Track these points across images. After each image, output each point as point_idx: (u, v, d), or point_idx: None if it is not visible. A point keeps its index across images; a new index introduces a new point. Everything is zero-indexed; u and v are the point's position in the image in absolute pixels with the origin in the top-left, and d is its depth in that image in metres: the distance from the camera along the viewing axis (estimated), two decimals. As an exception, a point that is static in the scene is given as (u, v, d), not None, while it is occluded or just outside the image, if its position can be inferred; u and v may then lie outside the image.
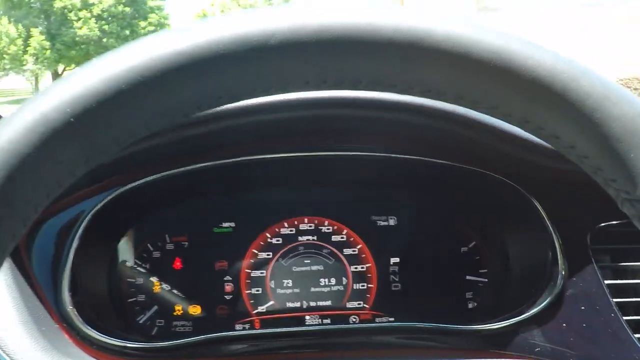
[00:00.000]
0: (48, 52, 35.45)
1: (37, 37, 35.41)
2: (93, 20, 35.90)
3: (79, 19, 35.49)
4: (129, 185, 1.26)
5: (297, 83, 0.52)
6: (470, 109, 0.54)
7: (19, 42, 35.20)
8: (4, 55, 34.53)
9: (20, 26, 35.33)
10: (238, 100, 0.53)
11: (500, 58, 0.49)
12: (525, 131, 0.55)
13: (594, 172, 0.53)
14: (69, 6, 35.87)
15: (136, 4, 39.08)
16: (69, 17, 35.79)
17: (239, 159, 1.29)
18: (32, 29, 35.77)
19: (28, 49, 35.36)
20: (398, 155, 1.31)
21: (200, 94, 0.51)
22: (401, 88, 0.53)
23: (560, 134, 0.52)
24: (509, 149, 1.21)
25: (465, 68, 0.50)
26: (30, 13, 36.48)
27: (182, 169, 1.27)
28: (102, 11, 36.31)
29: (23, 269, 1.16)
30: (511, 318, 1.24)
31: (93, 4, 36.31)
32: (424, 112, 1.17)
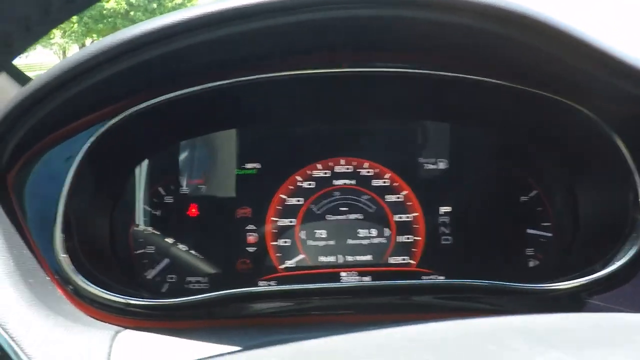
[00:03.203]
0: (75, 25, 36.17)
1: None
2: (120, -8, 36.60)
3: (107, -9, 36.19)
4: (134, 109, 1.09)
5: None
6: None
7: None
8: None
9: (47, 0, 36.29)
10: None
11: None
12: None
13: None
14: (96, -21, 36.62)
15: (164, -23, 39.73)
16: (96, -10, 36.55)
17: (263, 75, 1.11)
18: None
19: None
20: (453, 74, 1.11)
21: None
22: None
23: None
24: (592, 70, 1.00)
25: None
26: (58, -14, 37.38)
27: (194, 88, 1.10)
28: (130, -16, 37.00)
29: (11, 211, 1.02)
30: (580, 277, 1.06)
31: (120, -23, 37.00)
32: (492, 16, 0.94)
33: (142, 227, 1.27)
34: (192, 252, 1.26)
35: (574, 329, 0.38)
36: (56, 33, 36.00)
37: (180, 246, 1.27)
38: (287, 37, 1.03)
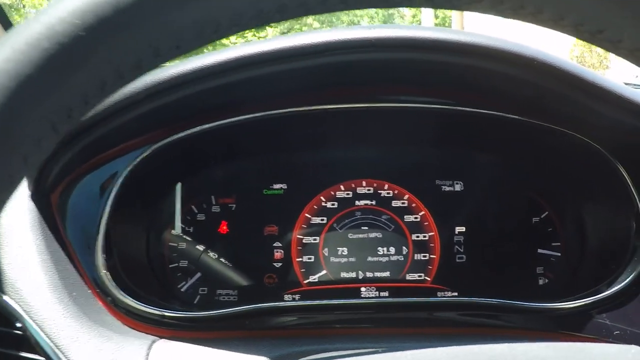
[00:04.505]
0: None
1: None
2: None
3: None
4: (171, 139, 1.15)
5: None
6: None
7: None
8: (24, 4, 35.20)
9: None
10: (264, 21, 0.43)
11: None
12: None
13: None
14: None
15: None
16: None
17: (291, 109, 1.17)
18: None
19: None
20: (468, 109, 1.17)
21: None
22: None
23: None
24: (596, 106, 1.07)
25: None
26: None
27: (229, 120, 1.16)
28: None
29: (55, 230, 1.07)
30: (587, 297, 1.11)
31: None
32: (500, 58, 1.02)
33: (175, 242, 1.32)
34: (222, 266, 1.31)
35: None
36: None
37: (212, 261, 1.31)
38: (333, 73, 1.10)
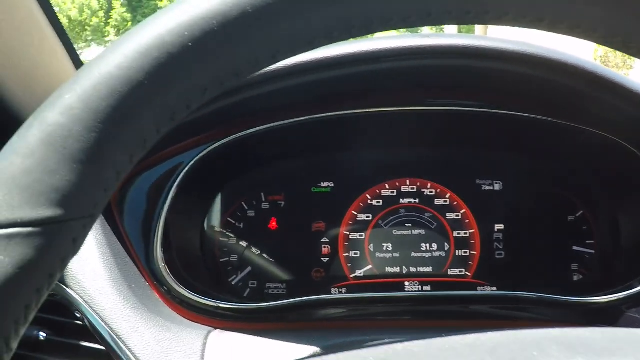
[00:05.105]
0: (129, 24, 35.79)
1: (119, 9, 35.83)
2: (174, -8, 36.07)
3: (160, -10, 35.79)
4: (226, 140, 1.21)
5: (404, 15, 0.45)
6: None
7: (101, 14, 35.57)
8: (86, 27, 34.91)
9: (101, -2, 35.99)
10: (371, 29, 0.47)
11: None
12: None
13: None
14: (151, -23, 36.27)
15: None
16: (150, -11, 36.22)
17: (339, 113, 1.22)
18: (114, 1, 36.28)
19: (110, 21, 35.70)
20: (507, 112, 1.22)
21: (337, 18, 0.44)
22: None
23: None
24: (631, 109, 1.12)
25: None
26: (112, -15, 37.00)
27: (281, 123, 1.22)
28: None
29: (114, 224, 1.14)
30: (620, 292, 1.16)
31: (175, -24, 36.52)
32: (539, 64, 1.08)
33: (227, 238, 1.37)
34: (272, 261, 1.36)
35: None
36: (110, 31, 35.84)
37: (261, 255, 1.36)
38: (384, 77, 1.16)
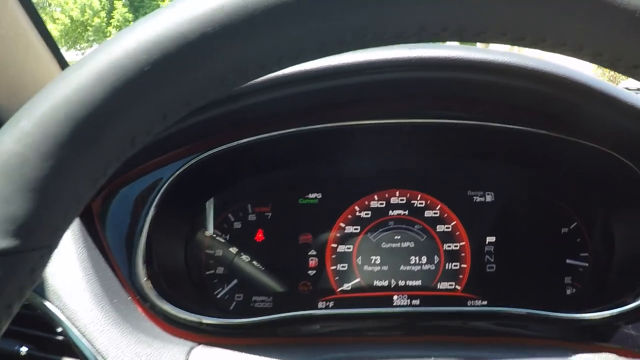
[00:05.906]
0: (131, 24, 36.11)
1: (121, 10, 35.91)
2: (176, -8, 36.18)
3: (162, -9, 35.89)
4: (209, 152, 1.19)
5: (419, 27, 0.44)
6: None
7: (103, 14, 35.72)
8: (88, 27, 35.08)
9: (103, -2, 36.14)
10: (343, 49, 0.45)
11: None
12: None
13: None
14: (152, -22, 36.35)
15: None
16: (151, -11, 36.32)
17: (327, 125, 1.20)
18: (115, 2, 36.36)
19: (111, 21, 35.74)
20: (498, 124, 1.20)
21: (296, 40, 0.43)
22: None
23: None
24: (625, 122, 1.09)
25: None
26: (113, -15, 37.13)
27: (267, 135, 1.19)
28: (186, -16, 36.54)
29: (96, 238, 1.11)
30: (614, 308, 1.14)
31: (176, -24, 36.65)
32: (529, 77, 1.05)
33: (212, 250, 1.35)
34: (258, 273, 1.33)
35: None
36: (112, 32, 35.87)
37: (247, 268, 1.33)
38: (374, 89, 1.14)
